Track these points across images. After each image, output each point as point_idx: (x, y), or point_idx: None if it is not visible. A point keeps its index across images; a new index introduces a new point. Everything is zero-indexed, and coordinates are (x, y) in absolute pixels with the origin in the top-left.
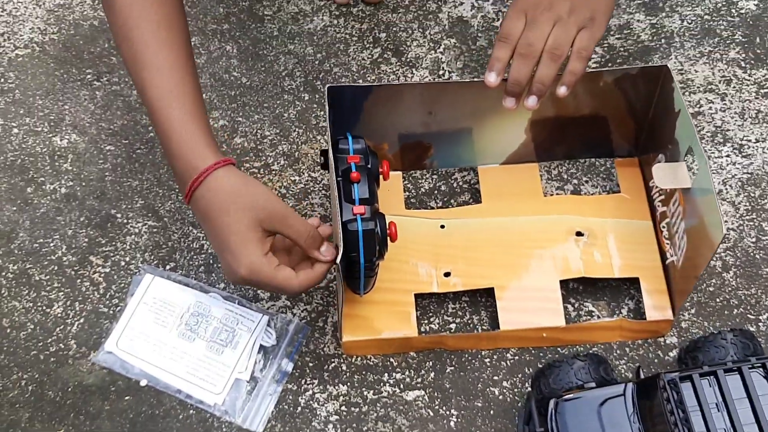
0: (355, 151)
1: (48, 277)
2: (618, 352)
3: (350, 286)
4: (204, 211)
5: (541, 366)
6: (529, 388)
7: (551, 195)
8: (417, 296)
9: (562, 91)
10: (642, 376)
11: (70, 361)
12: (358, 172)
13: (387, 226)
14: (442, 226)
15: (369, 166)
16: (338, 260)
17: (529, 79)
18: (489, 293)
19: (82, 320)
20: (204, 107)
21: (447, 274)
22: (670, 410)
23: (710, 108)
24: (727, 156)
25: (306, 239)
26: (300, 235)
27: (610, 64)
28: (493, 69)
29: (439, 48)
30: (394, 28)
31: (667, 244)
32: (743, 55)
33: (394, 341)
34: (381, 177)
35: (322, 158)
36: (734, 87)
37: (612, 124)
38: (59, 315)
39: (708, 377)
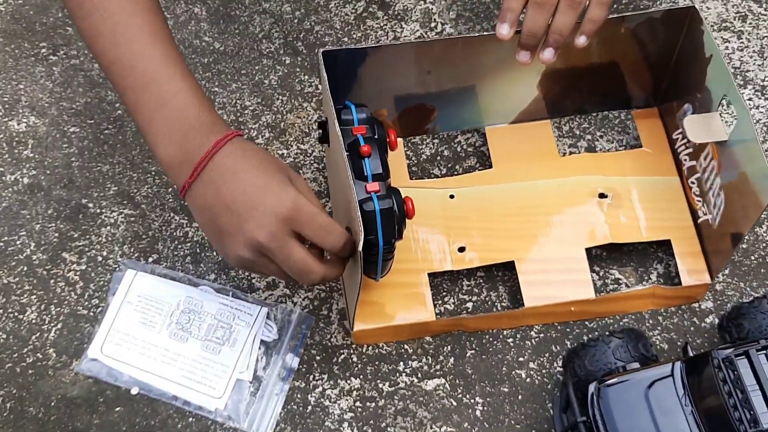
0: (360, 121)
1: (17, 279)
2: (651, 321)
3: (365, 272)
4: (231, 169)
5: (570, 344)
6: (559, 368)
7: (567, 154)
8: (429, 275)
9: (581, 41)
10: (691, 353)
11: (50, 372)
12: (368, 144)
13: (403, 202)
14: (452, 196)
15: (376, 136)
16: (359, 247)
17: (545, 30)
18: (506, 267)
19: (59, 325)
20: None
21: (461, 249)
22: (728, 391)
23: (726, 48)
24: (749, 99)
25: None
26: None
27: (615, 5)
28: (505, 20)
29: None
30: None
31: (699, 201)
32: None
33: (409, 327)
34: (388, 147)
35: (320, 131)
36: (750, 23)
37: (628, 73)
38: (34, 321)
39: (765, 351)
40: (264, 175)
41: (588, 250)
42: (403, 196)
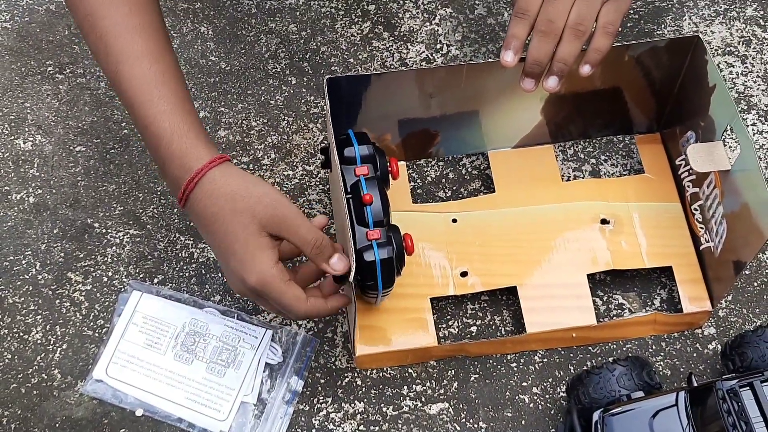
0: (363, 159)
1: (22, 299)
2: (654, 347)
3: (364, 300)
4: (202, 217)
5: (573, 369)
6: (563, 394)
7: (570, 179)
8: (432, 299)
9: (585, 70)
10: (695, 383)
11: (55, 393)
12: (370, 193)
13: (402, 240)
14: (454, 221)
15: (378, 173)
16: (351, 279)
17: (549, 58)
18: (510, 290)
19: (65, 346)
20: (190, 97)
21: (464, 274)
22: (732, 423)
23: (730, 72)
24: (753, 125)
25: (312, 248)
26: (305, 243)
27: (619, 29)
28: (509, 47)
29: (434, 19)
30: None
31: (701, 228)
32: (761, 12)
33: (412, 352)
34: (390, 176)
35: (323, 156)
36: (754, 48)
37: (631, 99)
38: (39, 341)
39: None
40: (229, 233)
41: (592, 275)
42: (402, 234)
